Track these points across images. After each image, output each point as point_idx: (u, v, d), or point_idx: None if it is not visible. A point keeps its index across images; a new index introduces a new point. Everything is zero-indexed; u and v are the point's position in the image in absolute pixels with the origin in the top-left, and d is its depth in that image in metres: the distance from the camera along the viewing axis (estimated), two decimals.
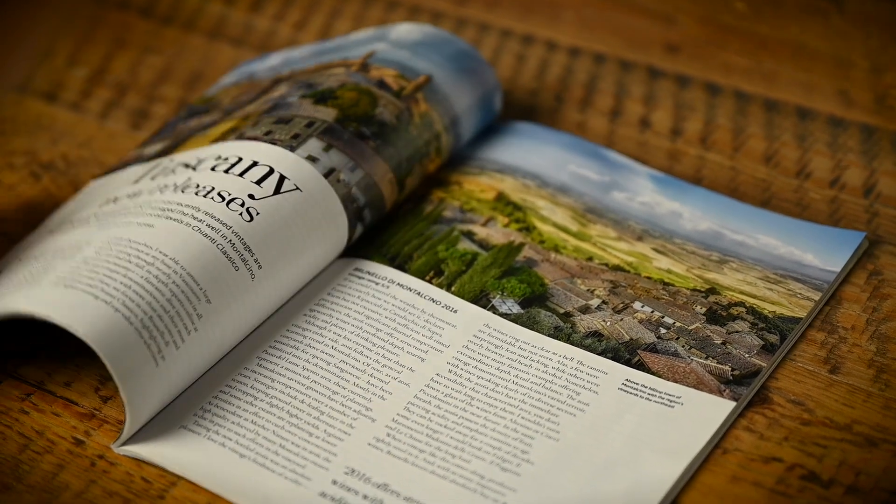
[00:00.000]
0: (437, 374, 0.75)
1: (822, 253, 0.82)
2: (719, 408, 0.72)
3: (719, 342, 0.77)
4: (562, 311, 0.79)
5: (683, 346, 0.76)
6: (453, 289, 0.80)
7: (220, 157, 0.81)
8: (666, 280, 0.81)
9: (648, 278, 0.81)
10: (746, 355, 0.76)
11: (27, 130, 0.95)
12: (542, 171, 0.88)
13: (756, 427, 0.72)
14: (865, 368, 0.75)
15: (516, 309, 0.79)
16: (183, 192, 0.78)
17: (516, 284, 0.80)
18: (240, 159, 0.80)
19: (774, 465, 0.70)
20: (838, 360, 0.76)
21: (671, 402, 0.73)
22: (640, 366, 0.75)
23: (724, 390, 0.73)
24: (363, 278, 0.81)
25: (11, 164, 0.91)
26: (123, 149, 0.92)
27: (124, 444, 0.71)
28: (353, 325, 0.78)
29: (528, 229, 0.84)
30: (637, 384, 0.74)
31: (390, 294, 0.79)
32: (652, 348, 0.76)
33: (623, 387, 0.74)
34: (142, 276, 0.72)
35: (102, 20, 1.05)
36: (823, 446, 0.71)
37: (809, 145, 0.91)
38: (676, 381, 0.74)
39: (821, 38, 0.99)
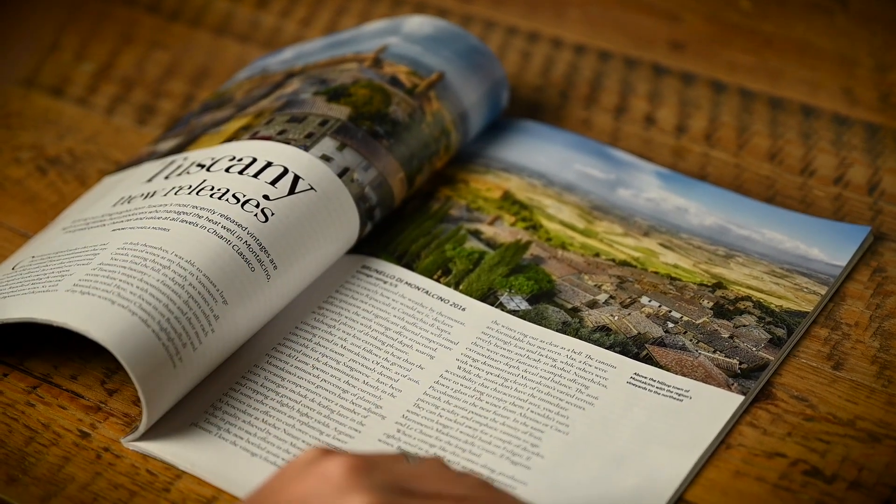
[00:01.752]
0: (447, 371, 0.75)
1: (828, 247, 0.82)
2: (727, 401, 0.73)
3: (727, 336, 0.77)
4: (569, 306, 0.79)
5: (691, 340, 0.77)
6: (461, 287, 0.80)
7: (234, 158, 0.80)
8: (673, 275, 0.81)
9: (655, 273, 0.81)
10: (754, 349, 0.76)
11: (34, 125, 0.95)
12: (548, 170, 0.88)
13: (759, 422, 0.72)
14: (868, 365, 0.75)
15: (524, 305, 0.79)
16: (198, 193, 0.77)
17: (524, 282, 0.80)
18: (254, 160, 0.80)
19: (778, 460, 0.70)
20: (842, 356, 0.76)
21: (679, 395, 0.73)
22: (649, 360, 0.75)
23: (732, 384, 0.74)
24: (371, 276, 0.81)
25: (18, 159, 0.91)
26: (130, 144, 0.92)
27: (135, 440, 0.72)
28: (362, 324, 0.78)
29: (534, 227, 0.84)
30: (645, 378, 0.74)
31: (398, 293, 0.79)
32: (660, 342, 0.76)
33: (632, 380, 0.74)
34: (158, 280, 0.72)
35: (109, 15, 1.05)
36: (826, 442, 0.71)
37: (814, 143, 0.91)
38: (685, 375, 0.74)
39: (825, 36, 0.99)
